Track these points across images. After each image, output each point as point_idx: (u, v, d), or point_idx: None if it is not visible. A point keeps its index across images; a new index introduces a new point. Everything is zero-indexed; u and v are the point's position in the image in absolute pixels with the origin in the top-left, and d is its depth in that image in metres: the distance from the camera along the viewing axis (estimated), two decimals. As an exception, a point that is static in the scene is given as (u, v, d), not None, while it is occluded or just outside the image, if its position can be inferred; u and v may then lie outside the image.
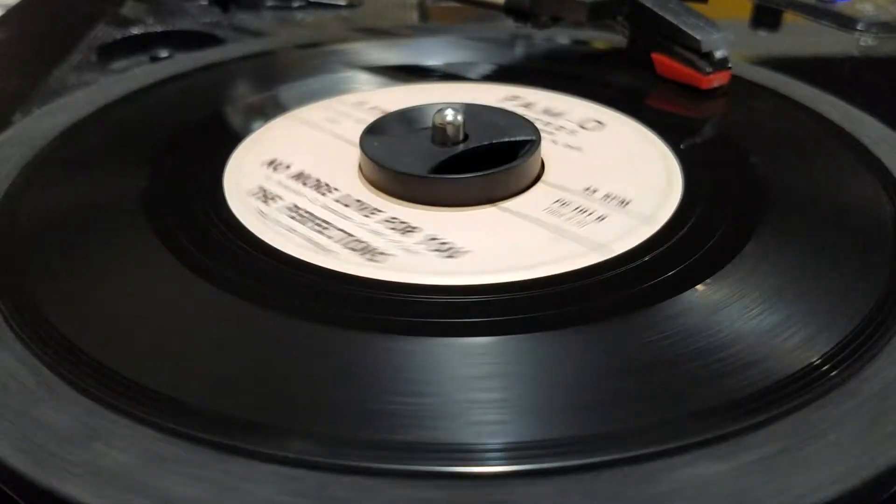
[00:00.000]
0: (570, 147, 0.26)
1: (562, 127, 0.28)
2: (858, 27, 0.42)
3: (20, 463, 0.15)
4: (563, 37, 0.36)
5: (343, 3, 0.45)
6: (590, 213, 0.22)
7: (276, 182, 0.24)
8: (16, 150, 0.26)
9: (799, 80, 0.31)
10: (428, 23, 0.45)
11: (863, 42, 0.41)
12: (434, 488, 0.14)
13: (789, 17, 0.44)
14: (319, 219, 0.22)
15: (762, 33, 0.44)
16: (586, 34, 0.36)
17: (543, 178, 0.24)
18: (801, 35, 0.43)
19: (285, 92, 0.31)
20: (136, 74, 0.33)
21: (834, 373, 0.17)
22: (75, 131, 0.27)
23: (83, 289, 0.20)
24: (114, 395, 0.16)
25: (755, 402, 0.16)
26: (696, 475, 0.14)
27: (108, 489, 0.14)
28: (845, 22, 0.42)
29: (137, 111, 0.29)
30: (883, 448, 0.15)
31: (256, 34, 0.41)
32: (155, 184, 0.24)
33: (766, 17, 0.45)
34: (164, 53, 0.37)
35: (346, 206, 0.23)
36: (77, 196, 0.24)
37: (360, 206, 0.23)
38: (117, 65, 0.39)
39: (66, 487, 0.14)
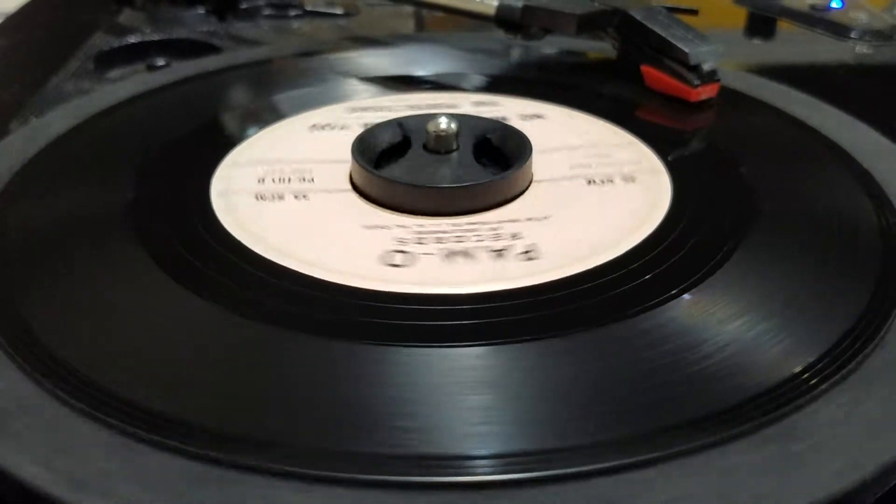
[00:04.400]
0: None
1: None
2: (852, 35, 0.42)
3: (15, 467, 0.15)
4: (550, 48, 0.36)
5: (339, 13, 0.46)
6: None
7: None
8: (5, 161, 0.26)
9: (792, 88, 0.31)
10: (423, 32, 0.46)
11: (857, 50, 0.41)
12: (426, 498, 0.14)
13: (783, 26, 0.45)
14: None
15: (756, 42, 0.44)
16: (578, 45, 0.37)
17: (531, 187, 0.24)
18: (794, 43, 0.43)
19: (274, 102, 0.31)
20: (124, 85, 0.33)
21: (815, 380, 0.17)
22: (63, 142, 0.27)
23: (68, 299, 0.20)
24: (96, 406, 0.16)
25: (740, 411, 0.16)
26: (686, 483, 0.14)
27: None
28: (839, 30, 0.43)
29: (124, 122, 0.29)
30: (866, 455, 0.15)
31: (253, 43, 0.41)
32: (143, 195, 0.24)
33: (759, 26, 0.45)
34: (161, 62, 0.37)
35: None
36: (63, 207, 0.24)
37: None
38: (114, 73, 0.39)
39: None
